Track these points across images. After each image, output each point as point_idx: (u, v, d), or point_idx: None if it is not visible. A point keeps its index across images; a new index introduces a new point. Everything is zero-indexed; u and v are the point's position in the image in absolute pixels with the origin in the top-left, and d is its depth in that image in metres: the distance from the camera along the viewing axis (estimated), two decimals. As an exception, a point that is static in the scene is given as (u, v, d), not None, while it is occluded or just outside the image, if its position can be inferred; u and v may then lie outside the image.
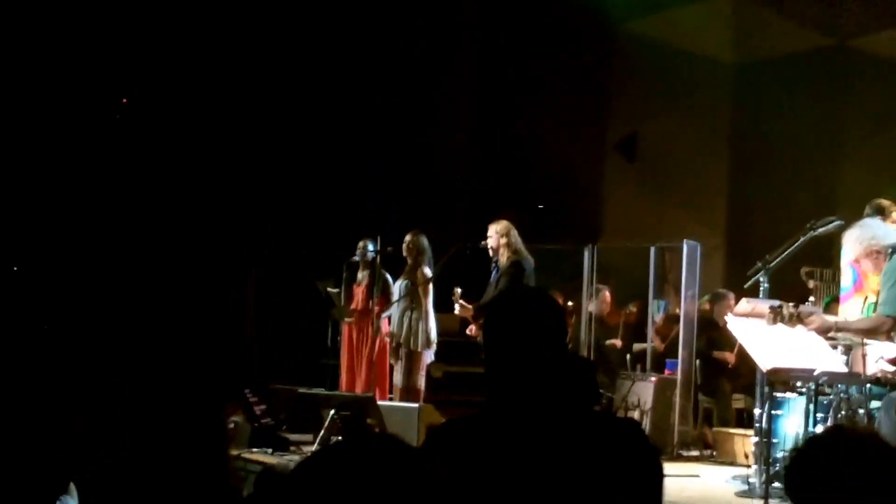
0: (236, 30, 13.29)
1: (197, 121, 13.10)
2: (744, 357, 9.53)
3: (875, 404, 7.74)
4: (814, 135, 14.54)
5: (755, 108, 15.19)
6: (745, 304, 8.32)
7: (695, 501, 8.50)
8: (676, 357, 11.49)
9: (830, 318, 7.64)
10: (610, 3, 14.70)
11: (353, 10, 13.98)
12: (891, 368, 7.60)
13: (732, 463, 10.17)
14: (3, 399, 3.70)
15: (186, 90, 12.95)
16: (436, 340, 11.14)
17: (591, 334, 12.46)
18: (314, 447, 8.76)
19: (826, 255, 9.10)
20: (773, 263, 8.78)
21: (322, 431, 9.00)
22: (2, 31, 11.97)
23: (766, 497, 7.81)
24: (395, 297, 11.16)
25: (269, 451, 9.23)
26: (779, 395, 8.42)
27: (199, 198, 12.89)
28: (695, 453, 11.05)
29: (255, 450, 9.29)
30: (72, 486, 3.74)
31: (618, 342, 12.70)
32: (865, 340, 7.80)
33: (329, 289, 11.76)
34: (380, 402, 9.74)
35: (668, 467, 10.09)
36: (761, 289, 8.77)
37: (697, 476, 9.74)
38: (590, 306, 12.57)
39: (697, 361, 11.61)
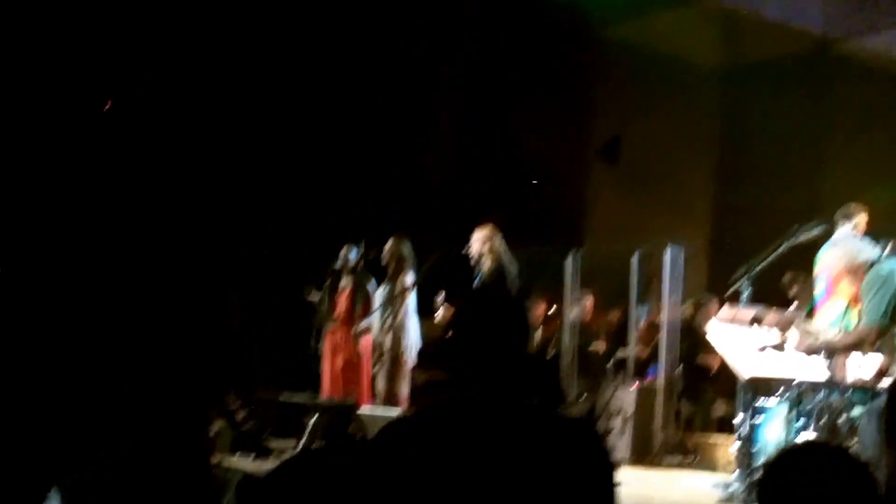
0: (224, 31, 13.25)
1: (183, 123, 13.07)
2: (725, 363, 9.54)
3: (856, 411, 7.74)
4: (797, 138, 14.55)
5: (739, 111, 15.20)
6: (727, 311, 8.32)
7: (677, 508, 8.52)
8: (658, 363, 11.48)
9: (817, 340, 7.65)
10: (593, 8, 14.68)
11: (342, 15, 13.94)
12: (870, 375, 7.61)
13: (714, 470, 10.18)
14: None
15: (169, 94, 12.92)
16: (418, 346, 11.13)
17: (574, 340, 12.43)
18: (293, 453, 8.74)
19: (810, 260, 9.10)
20: (756, 269, 8.78)
21: (304, 438, 8.98)
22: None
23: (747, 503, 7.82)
24: (377, 303, 11.15)
25: (251, 457, 9.20)
26: (760, 401, 8.41)
27: (184, 204, 12.85)
28: (677, 460, 11.05)
29: (236, 456, 9.26)
30: (54, 491, 3.72)
31: (602, 346, 12.67)
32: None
33: (312, 295, 11.74)
34: (362, 409, 9.72)
35: (650, 474, 10.14)
36: (744, 294, 8.78)
37: (679, 483, 9.75)
38: (572, 312, 12.54)
39: (680, 367, 11.60)
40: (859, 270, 7.05)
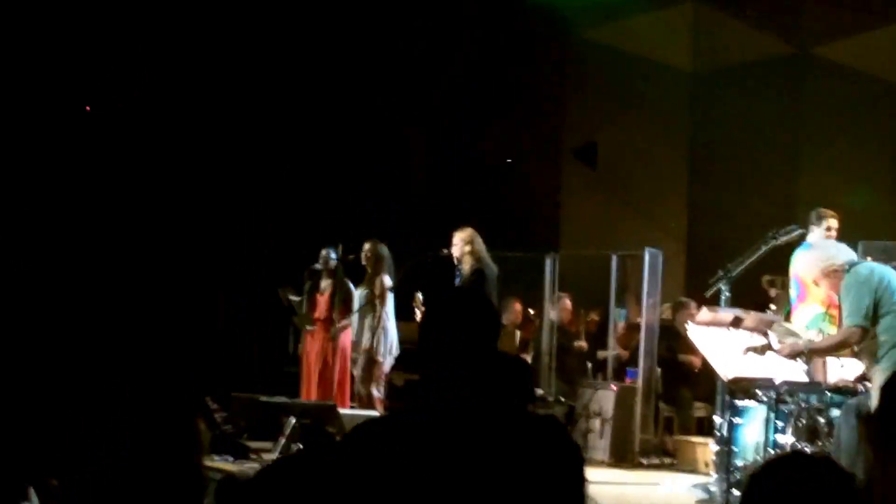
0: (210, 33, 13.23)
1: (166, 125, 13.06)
2: (707, 364, 9.58)
3: (835, 412, 7.80)
4: (772, 141, 14.64)
5: (714, 115, 15.27)
6: (706, 313, 8.35)
7: (655, 510, 8.55)
8: (637, 365, 11.52)
9: (800, 342, 7.69)
10: (568, 11, 14.70)
11: (318, 22, 13.93)
12: (851, 377, 7.67)
13: (693, 471, 10.22)
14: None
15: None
16: (396, 348, 11.13)
17: (552, 342, 12.45)
18: (275, 455, 8.72)
19: (787, 263, 9.15)
20: (734, 272, 8.83)
21: (283, 440, 8.96)
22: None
23: (726, 505, 7.87)
24: (356, 305, 11.15)
25: (230, 458, 9.17)
26: (739, 403, 8.46)
27: (163, 206, 12.83)
28: (656, 461, 11.08)
29: (215, 457, 9.23)
30: (31, 492, 3.72)
31: (584, 345, 12.68)
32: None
33: (291, 297, 11.72)
34: (341, 411, 9.71)
35: (629, 475, 10.18)
36: (722, 297, 8.82)
37: (658, 484, 9.78)
38: (551, 314, 12.57)
39: (659, 370, 11.64)
40: (836, 273, 7.09)
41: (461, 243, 9.99)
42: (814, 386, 7.90)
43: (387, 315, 11.02)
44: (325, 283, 11.50)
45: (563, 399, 11.51)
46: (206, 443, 9.39)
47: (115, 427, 3.21)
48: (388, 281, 10.98)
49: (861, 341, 6.85)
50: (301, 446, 8.58)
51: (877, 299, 6.78)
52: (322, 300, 11.45)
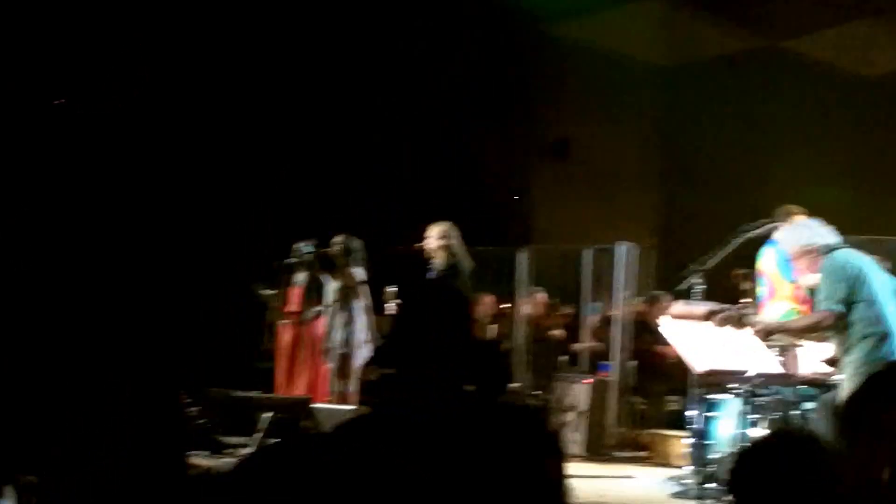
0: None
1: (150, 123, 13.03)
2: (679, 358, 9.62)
3: (809, 405, 7.85)
4: (745, 135, 14.69)
5: (686, 110, 15.31)
6: (680, 307, 8.39)
7: (630, 503, 8.56)
8: (611, 359, 11.55)
9: (773, 321, 7.74)
10: (539, 5, 14.72)
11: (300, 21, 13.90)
12: (825, 369, 7.71)
13: (667, 465, 10.25)
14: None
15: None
16: (369, 342, 11.11)
17: (527, 336, 12.48)
18: (250, 450, 8.71)
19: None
20: (706, 265, 8.87)
21: (258, 434, 8.95)
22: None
23: (700, 498, 7.90)
24: (329, 299, 11.13)
25: (209, 454, 9.15)
26: (712, 396, 8.50)
27: (139, 201, 12.78)
28: (629, 455, 11.12)
29: (192, 453, 9.20)
30: (9, 490, 3.71)
31: (563, 333, 12.70)
32: (798, 342, 7.92)
33: (264, 291, 11.70)
34: (316, 405, 9.69)
35: (603, 469, 10.21)
36: (694, 291, 8.86)
37: (632, 478, 9.82)
38: (525, 309, 12.59)
39: (635, 363, 11.68)
40: (813, 253, 7.09)
41: (436, 237, 9.98)
42: (787, 379, 7.94)
43: (359, 309, 11.00)
44: (299, 277, 11.48)
45: (535, 393, 11.55)
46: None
47: (96, 424, 3.21)
48: (360, 274, 10.96)
49: (834, 326, 6.86)
50: (275, 441, 8.57)
51: (851, 287, 6.80)
52: (295, 293, 11.43)
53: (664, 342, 9.73)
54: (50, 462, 3.69)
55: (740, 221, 9.05)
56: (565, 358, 12.45)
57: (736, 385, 8.14)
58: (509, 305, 13.04)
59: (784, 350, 7.95)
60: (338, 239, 11.06)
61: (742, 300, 10.15)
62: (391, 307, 10.23)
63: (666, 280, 11.45)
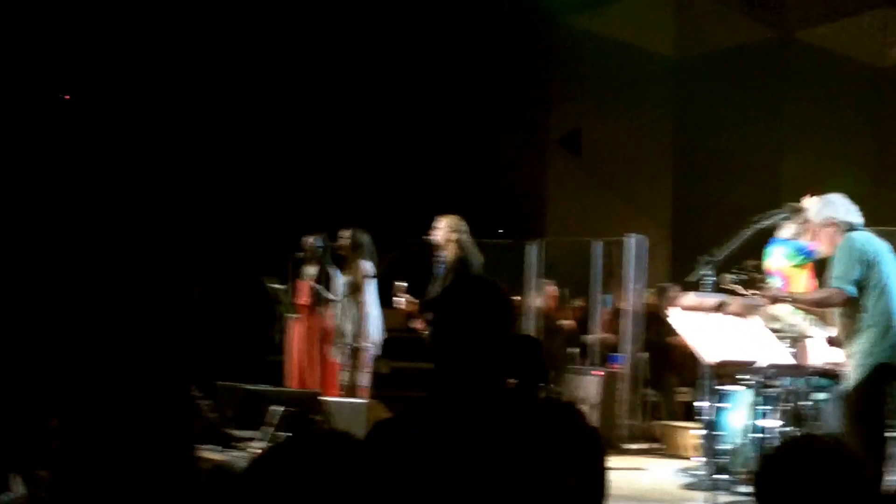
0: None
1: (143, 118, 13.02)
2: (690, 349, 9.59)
3: (821, 396, 7.81)
4: (756, 126, 14.64)
5: (699, 101, 15.27)
6: (692, 298, 8.35)
7: (642, 494, 8.55)
8: (622, 351, 11.52)
9: (783, 291, 7.74)
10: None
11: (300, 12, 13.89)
12: (836, 360, 7.66)
13: (679, 456, 10.23)
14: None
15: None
16: (381, 336, 11.09)
17: (538, 328, 12.44)
18: (263, 444, 8.70)
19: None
20: (719, 257, 8.82)
21: (270, 428, 8.93)
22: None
23: (712, 489, 7.87)
24: (339, 293, 11.11)
25: (219, 448, 9.14)
26: (724, 387, 8.47)
27: (142, 195, 12.79)
28: (642, 447, 11.10)
29: (203, 447, 9.19)
30: (18, 480, 3.69)
31: (573, 324, 12.67)
32: (808, 333, 7.88)
33: (275, 285, 11.69)
34: (327, 399, 9.67)
35: (616, 461, 10.17)
36: (706, 282, 8.81)
37: (644, 469, 9.79)
38: (535, 301, 12.57)
39: (647, 355, 11.65)
40: (831, 229, 7.03)
41: (445, 229, 9.93)
42: (799, 369, 7.91)
43: (369, 302, 10.97)
44: (310, 270, 11.47)
45: (548, 385, 11.51)
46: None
47: (106, 418, 3.19)
48: (369, 268, 10.94)
49: (842, 305, 6.81)
50: (288, 435, 8.55)
51: (864, 270, 6.75)
52: (306, 287, 11.42)
53: (675, 334, 9.71)
54: (61, 456, 3.66)
55: (752, 213, 9.00)
56: (576, 350, 12.42)
57: (747, 376, 8.11)
58: (520, 298, 13.01)
59: (795, 341, 7.92)
60: (346, 233, 11.04)
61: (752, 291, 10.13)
62: (400, 301, 10.19)
63: (677, 272, 11.41)
